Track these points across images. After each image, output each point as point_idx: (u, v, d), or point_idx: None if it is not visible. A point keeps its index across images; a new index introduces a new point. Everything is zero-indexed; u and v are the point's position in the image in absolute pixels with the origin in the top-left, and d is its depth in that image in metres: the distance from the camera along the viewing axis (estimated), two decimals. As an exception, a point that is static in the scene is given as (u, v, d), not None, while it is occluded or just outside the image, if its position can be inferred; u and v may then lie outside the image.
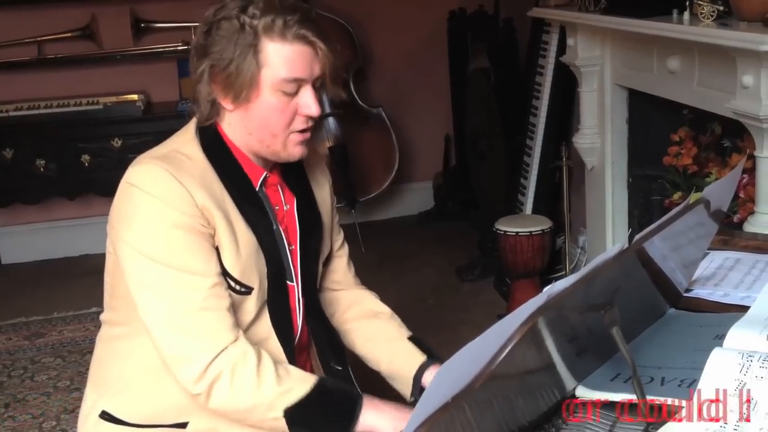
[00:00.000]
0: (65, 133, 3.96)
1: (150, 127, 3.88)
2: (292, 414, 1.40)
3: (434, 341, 2.99)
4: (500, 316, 0.90)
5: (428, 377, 1.58)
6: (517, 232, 3.25)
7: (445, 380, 0.84)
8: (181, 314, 1.40)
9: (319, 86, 1.46)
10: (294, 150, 1.47)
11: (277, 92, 1.41)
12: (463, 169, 4.49)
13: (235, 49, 1.38)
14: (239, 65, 1.39)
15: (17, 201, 4.07)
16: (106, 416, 1.54)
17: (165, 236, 1.40)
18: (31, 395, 3.00)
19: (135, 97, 4.06)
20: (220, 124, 1.49)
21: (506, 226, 3.29)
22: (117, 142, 3.95)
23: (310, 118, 1.46)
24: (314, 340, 1.64)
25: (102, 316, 1.61)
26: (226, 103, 1.44)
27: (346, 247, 1.75)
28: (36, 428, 2.79)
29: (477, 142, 4.17)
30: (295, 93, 1.43)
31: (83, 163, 3.95)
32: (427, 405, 0.83)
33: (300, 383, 1.42)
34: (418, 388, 1.58)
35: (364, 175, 4.36)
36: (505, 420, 0.97)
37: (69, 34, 4.19)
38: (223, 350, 1.39)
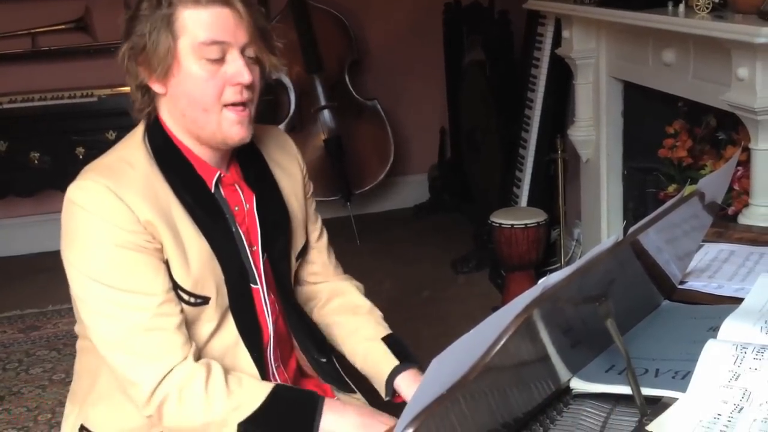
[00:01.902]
0: (59, 126, 3.94)
1: (144, 120, 3.86)
2: (246, 428, 1.36)
3: (429, 333, 3.00)
4: (495, 309, 0.90)
5: (400, 383, 1.53)
6: (512, 225, 3.25)
7: (440, 372, 0.84)
8: (127, 336, 1.36)
9: (253, 56, 1.40)
10: (231, 130, 1.40)
11: (201, 60, 1.36)
12: (458, 162, 4.49)
13: (151, 25, 1.35)
14: (155, 39, 1.35)
15: (11, 193, 4.06)
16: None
17: (107, 256, 1.35)
18: (27, 388, 3.00)
19: (129, 89, 4.04)
20: (162, 119, 1.44)
21: (501, 219, 3.29)
22: (111, 135, 3.93)
23: (243, 87, 1.38)
24: (294, 335, 1.60)
25: (75, 327, 1.56)
26: (154, 84, 1.40)
27: (324, 237, 1.69)
28: (31, 421, 2.79)
29: (472, 135, 4.16)
30: (221, 60, 1.37)
31: (77, 156, 3.93)
32: (422, 397, 0.83)
33: (252, 396, 1.37)
34: (391, 391, 1.54)
35: (360, 167, 4.36)
36: (499, 411, 0.97)
37: (63, 26, 4.17)
38: (169, 372, 1.35)
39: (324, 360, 1.61)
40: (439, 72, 4.55)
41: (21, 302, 3.68)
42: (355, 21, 4.42)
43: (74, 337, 1.58)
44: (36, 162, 3.93)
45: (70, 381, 1.63)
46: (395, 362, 1.55)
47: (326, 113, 4.30)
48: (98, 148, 3.92)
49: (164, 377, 1.35)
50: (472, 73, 4.11)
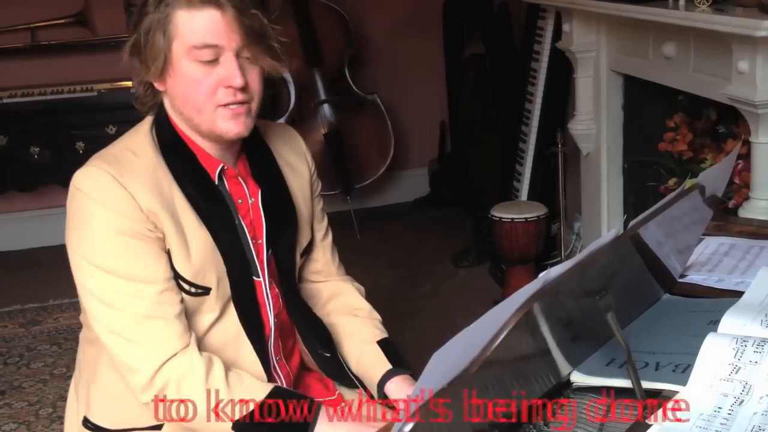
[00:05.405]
0: (59, 121, 3.95)
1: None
2: (241, 426, 1.36)
3: (429, 327, 3.00)
4: (495, 303, 0.90)
5: (390, 388, 1.53)
6: (513, 219, 3.25)
7: (441, 366, 0.84)
8: (127, 323, 1.37)
9: (250, 57, 1.40)
10: (226, 126, 1.40)
11: (194, 62, 1.38)
12: (459, 156, 4.49)
13: (150, 25, 1.38)
14: (150, 39, 1.38)
15: (11, 188, 4.06)
16: (87, 424, 1.53)
17: (109, 243, 1.36)
18: (28, 382, 3.00)
19: (129, 83, 4.02)
20: (168, 113, 1.46)
21: (501, 213, 3.29)
22: (111, 129, 3.94)
23: (236, 90, 1.39)
24: (298, 330, 1.61)
25: (80, 317, 1.57)
26: (154, 81, 1.43)
27: (329, 237, 1.70)
28: (32, 415, 2.79)
29: (472, 129, 4.16)
30: (216, 61, 1.38)
31: (77, 151, 3.94)
32: (423, 390, 0.84)
33: (251, 394, 1.38)
34: (382, 395, 1.54)
35: (360, 161, 4.35)
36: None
37: (62, 21, 4.17)
38: (169, 359, 1.36)
39: (328, 355, 1.61)
40: (439, 65, 4.54)
41: (22, 297, 3.68)
42: (355, 14, 4.42)
43: (74, 332, 1.59)
44: (36, 157, 3.94)
45: (71, 375, 1.63)
46: (387, 366, 1.55)
47: (326, 107, 4.29)
48: (98, 142, 3.92)
49: (164, 363, 1.36)
50: (472, 67, 4.10)
